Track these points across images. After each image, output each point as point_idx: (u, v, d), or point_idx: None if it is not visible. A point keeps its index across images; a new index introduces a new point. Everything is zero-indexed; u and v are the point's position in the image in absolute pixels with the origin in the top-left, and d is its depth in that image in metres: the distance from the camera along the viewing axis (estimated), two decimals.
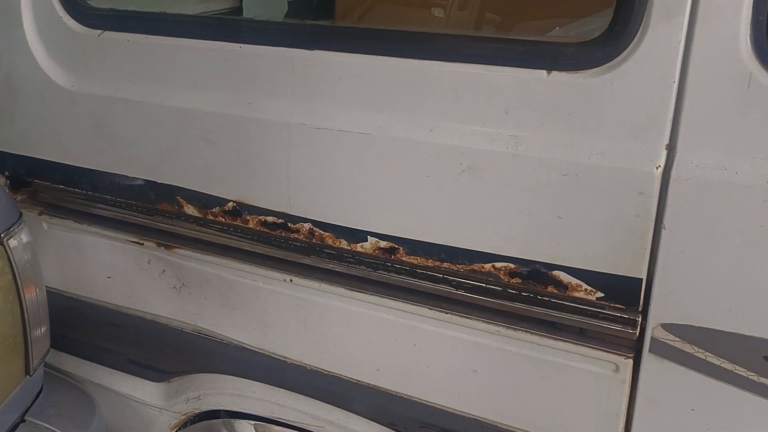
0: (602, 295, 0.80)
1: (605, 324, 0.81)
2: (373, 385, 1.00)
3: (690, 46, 0.71)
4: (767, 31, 0.68)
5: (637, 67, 0.73)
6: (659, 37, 0.72)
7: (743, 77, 0.69)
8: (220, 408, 1.17)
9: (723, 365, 0.76)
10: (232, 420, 1.19)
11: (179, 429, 1.25)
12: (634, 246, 0.76)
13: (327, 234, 0.94)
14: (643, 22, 0.72)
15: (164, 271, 1.13)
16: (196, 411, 1.20)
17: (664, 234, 0.74)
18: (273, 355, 1.08)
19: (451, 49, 0.83)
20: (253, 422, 1.17)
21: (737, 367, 0.75)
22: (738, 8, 0.69)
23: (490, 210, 0.83)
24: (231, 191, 0.99)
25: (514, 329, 0.86)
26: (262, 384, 1.11)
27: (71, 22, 1.08)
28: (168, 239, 1.09)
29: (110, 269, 1.18)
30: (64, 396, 1.21)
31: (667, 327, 0.77)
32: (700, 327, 0.76)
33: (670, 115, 0.73)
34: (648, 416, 0.82)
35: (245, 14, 1.68)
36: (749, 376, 0.75)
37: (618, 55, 0.74)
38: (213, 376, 1.16)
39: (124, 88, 1.04)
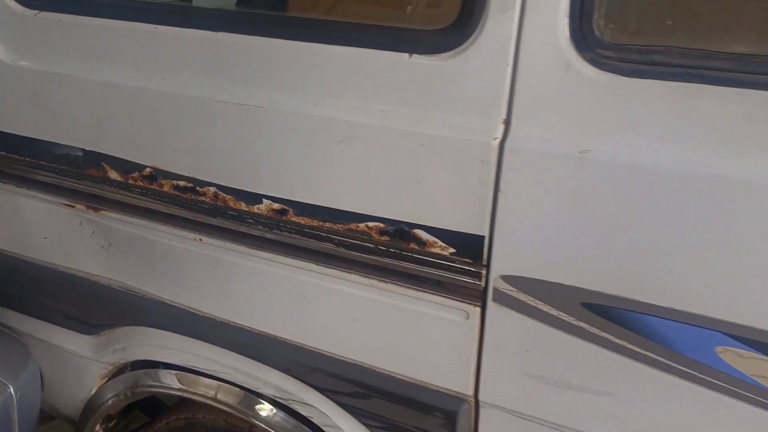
0: (454, 250, 0.92)
1: (457, 276, 0.93)
2: (272, 335, 1.12)
3: (520, 36, 0.83)
4: (580, 25, 0.81)
5: (480, 53, 0.85)
6: (496, 27, 0.84)
7: (562, 63, 0.81)
8: (144, 358, 1.29)
9: (550, 311, 0.88)
10: (156, 370, 1.31)
11: (109, 379, 1.37)
12: (478, 208, 0.88)
13: (229, 197, 1.06)
14: (483, 15, 0.84)
15: (93, 232, 1.24)
16: (123, 361, 1.32)
17: (500, 197, 0.87)
18: (188, 309, 1.19)
19: (333, 33, 0.95)
20: (174, 372, 1.29)
21: (561, 313, 0.87)
22: (557, 5, 0.81)
23: (363, 175, 0.95)
24: (148, 158, 1.11)
25: (385, 282, 0.98)
26: (180, 336, 1.23)
27: (12, 3, 1.19)
28: (96, 202, 1.20)
29: (47, 230, 1.30)
30: (2, 345, 1.32)
31: (506, 278, 0.89)
32: (531, 278, 0.88)
33: (506, 94, 0.85)
34: (494, 358, 0.94)
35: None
36: (570, 321, 0.87)
37: (464, 42, 0.86)
38: (137, 329, 1.28)
39: (57, 64, 1.16)
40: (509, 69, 0.84)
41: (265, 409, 1.21)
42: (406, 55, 0.90)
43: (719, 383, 0.81)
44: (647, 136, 0.78)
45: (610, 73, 0.80)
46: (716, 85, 0.75)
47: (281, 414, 1.20)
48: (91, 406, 1.38)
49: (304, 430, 1.18)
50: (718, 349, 0.80)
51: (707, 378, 0.81)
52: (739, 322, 0.78)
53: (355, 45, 0.93)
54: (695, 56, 0.76)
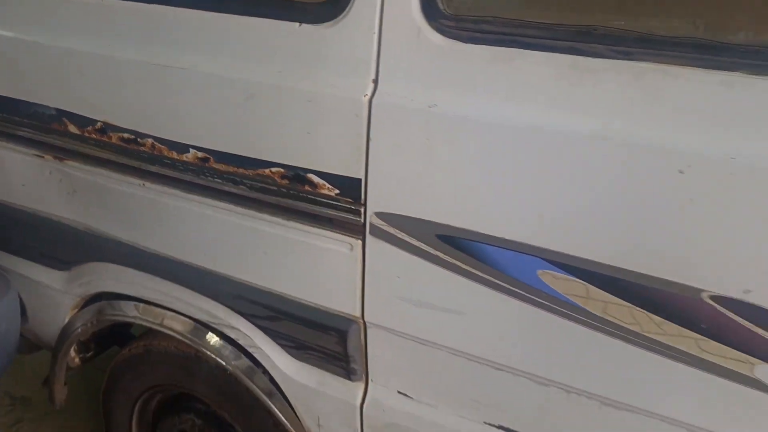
0: (338, 191, 1.08)
1: (342, 214, 1.09)
2: (203, 267, 1.30)
3: (383, 8, 0.98)
4: None
5: (353, 22, 1.01)
6: (364, 1, 0.99)
7: (415, 31, 0.97)
8: (104, 290, 1.49)
9: (413, 242, 1.04)
10: (118, 301, 1.50)
11: (79, 309, 1.57)
12: (355, 154, 1.05)
13: (164, 147, 1.23)
14: None
15: (61, 180, 1.43)
16: (88, 293, 1.52)
17: (371, 145, 1.03)
18: (138, 246, 1.38)
19: (241, 5, 1.11)
20: (131, 302, 1.48)
21: (421, 244, 1.04)
22: None
23: (265, 127, 1.11)
24: (98, 113, 1.29)
25: (288, 219, 1.15)
26: (133, 270, 1.42)
27: None
28: (60, 153, 1.40)
29: (24, 179, 1.50)
30: None
31: (379, 215, 1.06)
32: (398, 214, 1.04)
33: (374, 57, 1.01)
34: (374, 284, 1.11)
35: None
36: (428, 250, 1.03)
37: (341, 14, 1.02)
38: (99, 265, 1.47)
39: (26, 32, 1.34)
40: (375, 36, 1.00)
41: (208, 337, 1.40)
42: (297, 24, 1.06)
43: (540, 300, 0.97)
44: (479, 93, 0.94)
45: (452, 39, 0.95)
46: (531, 50, 0.90)
47: (221, 341, 1.39)
48: (64, 333, 1.59)
49: (237, 354, 1.37)
50: (539, 271, 0.96)
51: (531, 296, 0.97)
52: (553, 248, 0.93)
53: (258, 15, 1.09)
54: (514, 25, 0.91)
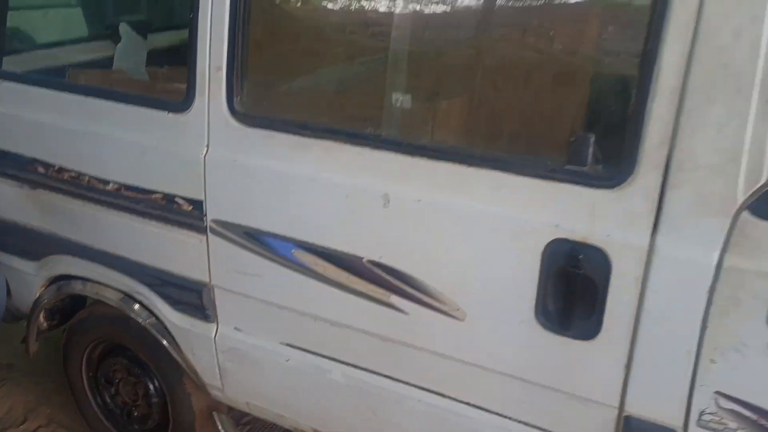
0: (192, 207, 1.87)
1: (195, 220, 1.87)
2: (123, 255, 2.08)
3: (209, 106, 1.79)
4: (229, 102, 1.75)
5: (194, 113, 1.81)
6: (200, 101, 1.80)
7: (225, 118, 1.77)
8: (63, 273, 2.27)
9: (232, 236, 1.83)
10: (70, 281, 2.28)
11: (45, 287, 2.35)
12: (199, 186, 1.84)
13: (95, 180, 2.02)
14: (193, 94, 1.80)
15: (33, 201, 2.22)
16: (52, 275, 2.30)
17: (206, 181, 1.82)
18: (83, 243, 2.17)
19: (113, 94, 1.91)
20: (80, 281, 2.26)
21: (235, 237, 1.82)
22: (221, 93, 1.76)
23: (156, 174, 1.91)
24: (55, 160, 2.08)
25: (166, 224, 1.94)
26: (81, 259, 2.20)
27: None
28: (33, 184, 2.18)
29: (9, 200, 2.28)
30: None
31: (213, 221, 1.85)
32: (223, 220, 1.83)
33: (206, 131, 1.81)
34: (215, 261, 1.90)
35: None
36: (240, 241, 1.82)
37: (187, 109, 1.82)
38: (59, 256, 2.25)
39: (14, 109, 2.13)
40: (206, 121, 1.80)
41: (129, 302, 2.18)
42: (166, 112, 1.86)
43: (295, 266, 1.75)
44: (257, 153, 1.73)
45: (242, 125, 1.75)
46: (281, 132, 1.70)
47: (137, 305, 2.16)
48: (35, 304, 2.36)
49: (148, 313, 2.14)
50: (294, 251, 1.75)
51: (290, 264, 1.76)
52: (298, 238, 1.73)
53: (137, 104, 1.89)
54: (273, 119, 1.71)
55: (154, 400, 2.31)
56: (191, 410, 2.21)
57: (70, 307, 2.42)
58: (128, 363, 2.34)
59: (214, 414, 2.23)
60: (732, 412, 1.35)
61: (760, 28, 1.20)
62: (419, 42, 1.70)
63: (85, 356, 2.42)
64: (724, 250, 1.28)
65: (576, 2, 1.53)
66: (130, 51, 2.69)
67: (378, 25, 1.71)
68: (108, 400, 2.46)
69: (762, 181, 1.25)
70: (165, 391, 2.27)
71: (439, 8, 1.63)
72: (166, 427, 2.33)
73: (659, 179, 1.31)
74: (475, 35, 1.69)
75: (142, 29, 2.74)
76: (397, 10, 1.72)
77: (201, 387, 2.13)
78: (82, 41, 2.73)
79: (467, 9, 1.66)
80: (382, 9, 1.72)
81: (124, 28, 2.72)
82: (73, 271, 2.24)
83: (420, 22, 1.70)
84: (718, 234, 1.28)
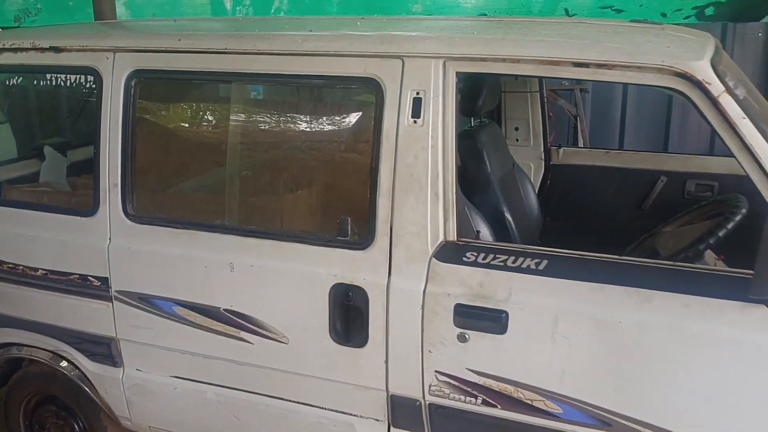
0: (100, 283, 2.61)
1: (102, 292, 2.61)
2: (50, 323, 2.79)
3: (110, 213, 2.57)
4: (124, 208, 2.54)
5: (99, 218, 2.59)
6: (103, 210, 2.58)
7: (122, 219, 2.55)
8: (5, 342, 2.94)
9: (129, 300, 2.58)
10: (10, 347, 2.95)
11: None
12: (105, 269, 2.59)
13: (21, 268, 2.74)
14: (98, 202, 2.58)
15: None
16: None
17: (110, 264, 2.58)
18: (21, 318, 2.85)
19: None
20: (16, 346, 2.93)
21: (132, 301, 2.57)
22: (119, 203, 2.55)
23: (73, 261, 2.66)
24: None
25: (83, 298, 2.67)
26: (19, 330, 2.88)
27: None
28: None
29: None
30: None
31: (117, 291, 2.59)
32: (122, 290, 2.58)
33: (108, 232, 2.58)
34: (119, 319, 2.63)
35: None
36: (135, 303, 2.57)
37: (94, 213, 2.60)
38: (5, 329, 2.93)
39: None
40: (108, 221, 2.57)
41: (57, 360, 2.86)
42: (80, 217, 2.62)
43: (177, 320, 2.51)
44: (143, 241, 2.52)
45: (133, 222, 2.53)
46: (160, 225, 2.49)
47: (64, 361, 2.85)
48: None
49: (72, 367, 2.83)
50: (173, 307, 2.51)
51: (170, 317, 2.52)
52: (175, 297, 2.50)
53: (53, 212, 2.65)
54: (152, 218, 2.51)
55: None
56: None
57: (8, 370, 3.07)
58: (56, 409, 3.00)
59: None
60: (446, 383, 2.17)
61: (427, 153, 2.10)
62: (246, 158, 2.56)
63: (22, 408, 3.06)
64: (426, 282, 2.13)
65: (340, 136, 2.42)
66: (53, 167, 3.46)
67: (224, 144, 2.57)
68: None
69: (440, 240, 2.12)
70: (86, 427, 2.94)
71: (256, 134, 2.51)
72: None
73: (388, 242, 2.17)
74: (279, 156, 2.57)
75: (62, 148, 3.51)
76: (230, 138, 2.58)
77: (114, 419, 2.82)
78: (12, 161, 3.47)
79: (271, 133, 2.55)
80: (224, 134, 2.58)
81: (47, 150, 3.49)
82: (11, 340, 2.92)
83: (246, 143, 2.57)
84: (422, 273, 2.14)
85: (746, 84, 2.12)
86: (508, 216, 2.95)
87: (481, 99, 2.93)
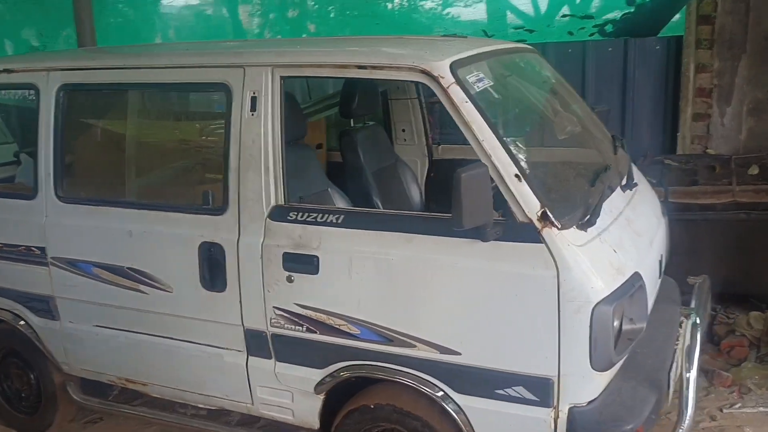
0: (39, 251, 3.34)
1: (41, 259, 3.34)
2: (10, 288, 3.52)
3: (46, 193, 3.30)
4: (56, 190, 3.26)
5: (39, 201, 3.32)
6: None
7: (55, 201, 3.28)
8: None
9: (62, 265, 3.29)
10: None
11: None
12: (42, 238, 3.31)
13: None
14: None
15: None
16: None
17: (46, 230, 3.30)
18: None
19: None
20: None
21: (64, 265, 3.29)
22: (49, 187, 3.27)
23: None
24: None
25: (28, 263, 3.40)
26: None
27: None
28: None
29: None
30: None
31: (53, 258, 3.31)
32: (58, 257, 3.29)
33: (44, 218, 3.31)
34: (56, 284, 3.34)
35: None
36: (67, 268, 3.28)
37: (34, 197, 3.33)
38: None
39: None
40: (44, 202, 3.30)
41: (18, 319, 3.58)
42: (25, 200, 3.36)
43: (95, 278, 3.20)
44: (69, 217, 3.24)
45: (63, 203, 3.25)
46: (87, 205, 3.21)
47: (18, 318, 3.56)
48: None
49: (24, 323, 3.54)
50: (93, 268, 3.21)
51: (92, 277, 3.21)
52: (92, 260, 3.20)
53: (8, 197, 3.40)
54: (80, 198, 3.23)
55: (33, 382, 3.68)
56: (53, 383, 3.58)
57: None
58: (17, 361, 3.72)
59: (67, 384, 3.60)
60: (281, 316, 2.81)
61: (260, 138, 2.77)
62: (140, 149, 3.30)
63: None
64: (264, 237, 2.79)
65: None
66: (26, 169, 4.23)
67: (125, 140, 3.30)
68: (6, 389, 3.81)
69: (272, 204, 2.78)
70: (38, 375, 3.65)
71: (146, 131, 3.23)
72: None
73: (237, 208, 2.83)
74: (161, 146, 3.29)
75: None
76: (128, 135, 3.31)
77: (56, 365, 3.51)
78: None
79: (155, 129, 3.27)
80: (125, 132, 3.32)
81: (23, 156, 4.28)
82: None
83: (139, 138, 3.31)
84: (260, 230, 2.79)
85: (504, 83, 2.76)
86: (377, 199, 3.58)
87: (355, 103, 3.59)
